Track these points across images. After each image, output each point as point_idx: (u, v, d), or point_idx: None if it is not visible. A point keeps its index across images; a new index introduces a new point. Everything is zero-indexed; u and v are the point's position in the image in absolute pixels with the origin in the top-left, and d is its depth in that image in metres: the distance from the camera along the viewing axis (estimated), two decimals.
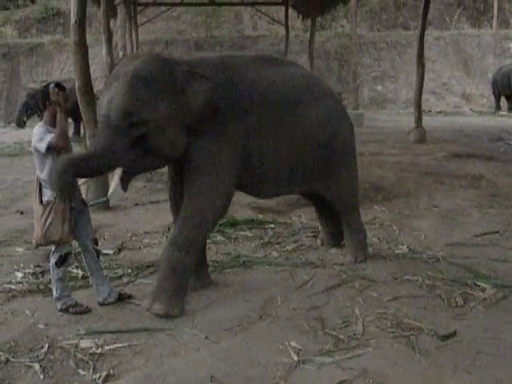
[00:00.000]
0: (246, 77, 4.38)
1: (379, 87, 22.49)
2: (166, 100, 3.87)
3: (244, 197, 5.17)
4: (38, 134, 3.93)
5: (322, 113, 4.71)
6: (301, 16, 19.30)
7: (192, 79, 4.00)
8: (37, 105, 12.75)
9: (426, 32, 13.02)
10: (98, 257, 4.24)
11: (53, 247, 4.05)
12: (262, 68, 4.53)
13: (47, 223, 3.89)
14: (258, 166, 4.43)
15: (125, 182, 4.00)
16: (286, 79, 4.60)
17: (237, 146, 4.24)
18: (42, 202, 3.96)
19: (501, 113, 20.13)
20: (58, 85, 4.05)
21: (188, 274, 4.14)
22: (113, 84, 3.89)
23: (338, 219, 5.36)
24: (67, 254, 4.06)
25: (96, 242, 4.28)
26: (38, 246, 4.09)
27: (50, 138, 3.87)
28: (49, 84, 4.17)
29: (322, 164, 4.77)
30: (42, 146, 3.89)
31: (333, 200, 5.05)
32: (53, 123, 4.00)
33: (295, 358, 3.38)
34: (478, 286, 4.47)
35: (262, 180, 4.57)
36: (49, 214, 3.89)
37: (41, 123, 4.05)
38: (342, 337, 3.65)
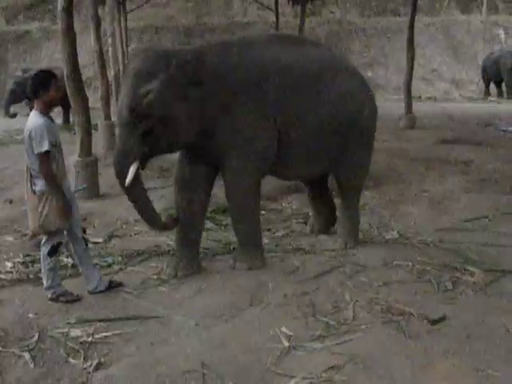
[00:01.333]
0: (270, 55, 4.49)
1: (369, 73, 22.40)
2: (167, 93, 4.00)
3: None
4: (38, 131, 3.83)
5: (345, 91, 4.74)
6: (291, 2, 19.13)
7: (193, 70, 4.09)
8: (24, 92, 12.64)
9: (416, 18, 12.99)
10: (86, 245, 4.22)
11: (45, 237, 4.03)
12: (278, 47, 4.61)
13: (44, 214, 3.87)
14: (285, 145, 4.52)
15: (144, 161, 4.21)
16: (309, 57, 4.68)
17: (266, 120, 4.41)
18: (34, 192, 3.92)
19: (490, 98, 20.22)
20: (51, 72, 4.02)
21: (256, 234, 4.64)
22: (123, 83, 4.18)
23: (330, 206, 5.40)
24: (59, 244, 4.04)
25: (84, 231, 4.27)
26: (34, 236, 4.09)
27: (47, 145, 3.82)
28: (40, 71, 4.13)
29: (343, 144, 4.79)
30: (41, 151, 3.83)
31: (344, 181, 5.03)
32: (45, 111, 3.96)
33: (286, 343, 3.39)
34: (468, 270, 4.49)
35: (288, 160, 4.63)
36: (44, 204, 3.87)
37: (35, 112, 3.95)
38: (332, 322, 3.66)
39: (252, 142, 4.38)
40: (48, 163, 3.86)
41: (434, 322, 3.63)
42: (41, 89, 3.91)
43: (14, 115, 13.47)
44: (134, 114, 3.97)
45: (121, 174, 4.07)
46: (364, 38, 22.99)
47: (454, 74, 22.64)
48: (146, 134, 4.03)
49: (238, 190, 4.46)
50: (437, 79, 22.56)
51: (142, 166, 4.18)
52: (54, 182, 3.88)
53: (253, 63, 4.40)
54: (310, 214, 5.70)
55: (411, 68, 12.63)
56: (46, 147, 3.82)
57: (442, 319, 3.67)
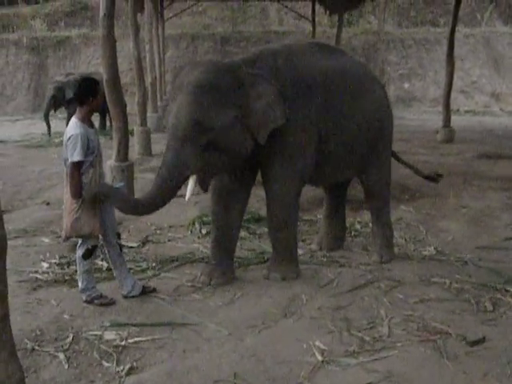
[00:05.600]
0: (315, 64, 4.53)
1: (406, 85, 22.22)
2: (230, 105, 3.98)
3: None
4: (73, 140, 3.85)
5: (373, 100, 4.84)
6: (328, 12, 19.11)
7: (256, 82, 4.11)
8: (64, 98, 12.84)
9: (456, 29, 12.79)
10: (120, 250, 4.24)
11: (80, 240, 4.06)
12: (320, 55, 4.65)
13: (76, 217, 3.89)
14: (322, 153, 4.54)
15: (205, 184, 4.12)
16: (343, 66, 4.74)
17: (312, 127, 4.42)
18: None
19: None
20: (96, 80, 4.05)
21: (293, 244, 4.62)
22: (178, 95, 4.02)
23: (342, 226, 5.42)
24: (94, 247, 4.06)
25: (119, 236, 4.29)
26: (67, 238, 4.10)
27: (80, 156, 3.84)
28: (86, 78, 4.13)
29: (369, 151, 4.88)
30: (73, 160, 3.85)
31: (371, 189, 5.07)
32: (87, 118, 4.00)
33: (320, 357, 3.34)
34: (508, 291, 4.36)
35: (321, 166, 4.63)
36: (78, 208, 3.89)
37: (76, 120, 3.97)
38: (367, 338, 3.59)
39: (299, 150, 4.38)
40: (77, 173, 3.87)
41: (473, 344, 3.52)
42: (90, 95, 3.94)
43: (48, 125, 13.62)
44: (196, 127, 3.88)
45: (172, 191, 3.98)
46: (401, 49, 22.77)
47: (495, 86, 22.24)
48: (206, 148, 3.94)
49: (281, 198, 4.43)
50: (476, 92, 22.19)
51: (202, 187, 4.13)
52: (77, 193, 3.87)
53: (302, 72, 4.42)
54: (320, 231, 5.58)
55: (450, 80, 12.47)
56: (77, 157, 3.84)
57: (482, 341, 3.55)
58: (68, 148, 3.88)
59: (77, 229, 3.91)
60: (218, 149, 3.99)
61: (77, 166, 3.87)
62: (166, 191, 3.96)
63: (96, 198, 3.90)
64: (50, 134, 13.22)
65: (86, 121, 4.00)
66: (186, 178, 4.00)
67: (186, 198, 4.11)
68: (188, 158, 3.92)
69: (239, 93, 4.04)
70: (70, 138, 3.88)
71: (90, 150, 3.92)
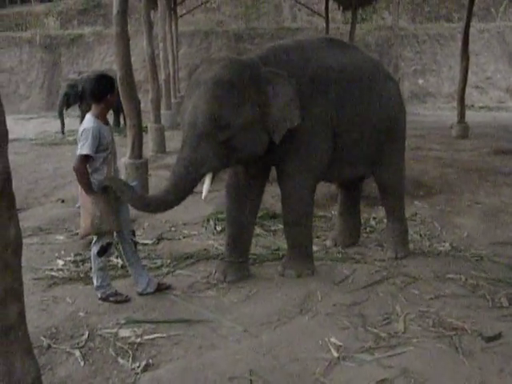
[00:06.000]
0: (325, 60, 4.51)
1: (420, 81, 22.07)
2: (248, 102, 3.96)
3: None
4: (85, 134, 3.87)
5: (386, 96, 4.82)
6: (341, 8, 19.02)
7: (275, 81, 4.09)
8: (77, 95, 12.90)
9: (471, 24, 12.67)
10: (135, 247, 4.25)
11: (95, 237, 4.07)
12: (334, 51, 4.64)
13: (96, 215, 3.89)
14: (337, 149, 4.53)
15: (212, 177, 4.10)
16: (357, 62, 4.72)
17: (327, 124, 4.41)
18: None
19: None
20: (112, 77, 4.06)
21: (308, 241, 4.62)
22: (195, 91, 3.96)
23: (357, 223, 5.41)
24: (109, 244, 4.07)
25: (134, 234, 4.29)
26: (85, 235, 4.11)
27: (89, 150, 3.85)
28: (102, 76, 4.15)
29: (382, 147, 4.86)
30: (81, 153, 3.87)
31: (385, 185, 5.06)
32: (103, 115, 4.02)
33: (335, 354, 3.33)
34: None
35: (336, 163, 4.61)
36: (96, 205, 3.89)
37: (90, 116, 4.00)
38: (382, 334, 3.58)
39: (314, 147, 4.37)
40: (83, 166, 3.87)
41: (489, 340, 3.49)
42: (107, 92, 3.96)
43: (63, 123, 13.71)
44: (214, 124, 3.86)
45: (187, 188, 3.94)
46: (416, 45, 22.61)
47: (509, 82, 22.00)
48: (224, 143, 3.92)
49: (297, 195, 4.42)
50: (491, 87, 21.99)
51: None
52: (86, 185, 3.88)
53: (318, 68, 4.41)
54: (335, 227, 5.59)
55: (465, 76, 12.36)
56: (86, 151, 3.85)
57: (498, 337, 3.53)
58: (79, 141, 3.91)
59: (96, 226, 3.92)
60: (234, 146, 3.97)
61: (84, 160, 3.88)
62: (182, 189, 3.92)
63: (108, 192, 3.90)
64: (63, 131, 13.30)
65: (101, 118, 4.01)
66: (202, 176, 3.98)
67: (203, 196, 4.10)
68: (205, 156, 3.88)
69: (257, 91, 4.02)
70: (82, 132, 3.91)
71: (103, 146, 3.93)
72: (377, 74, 4.85)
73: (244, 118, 3.94)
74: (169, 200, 3.92)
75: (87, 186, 3.88)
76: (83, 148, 3.86)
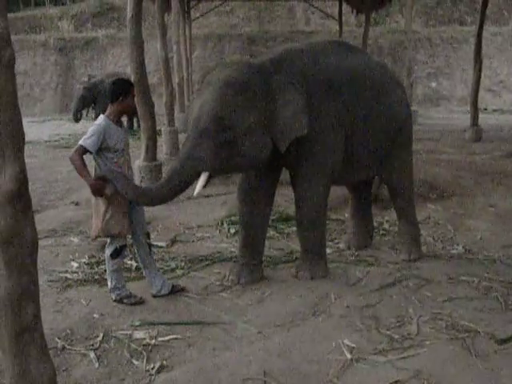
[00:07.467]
0: (336, 64, 4.53)
1: (433, 84, 22.02)
2: (255, 108, 3.97)
3: None
4: (91, 129, 3.90)
5: (393, 100, 4.83)
6: (355, 11, 19.02)
7: (285, 89, 4.10)
8: (92, 98, 13.02)
9: (484, 27, 12.63)
10: (149, 250, 4.28)
11: (108, 239, 4.10)
12: (344, 54, 4.67)
13: (108, 216, 3.92)
14: (345, 151, 4.55)
15: (206, 181, 4.07)
16: (365, 65, 4.75)
17: (340, 126, 4.43)
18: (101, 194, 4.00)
19: None
20: (130, 82, 4.09)
21: (322, 243, 4.63)
22: (204, 91, 4.01)
23: (369, 225, 5.42)
24: (122, 247, 4.10)
25: (148, 236, 4.32)
26: (96, 238, 4.14)
27: (89, 145, 3.86)
28: (121, 79, 4.19)
29: (390, 150, 4.88)
30: (81, 143, 3.86)
31: (394, 188, 5.08)
32: (117, 117, 4.04)
33: (349, 356, 3.34)
34: None
35: (344, 165, 4.62)
36: (108, 207, 3.92)
37: (103, 116, 4.02)
38: (396, 336, 3.59)
39: (328, 150, 4.39)
40: (78, 156, 3.83)
41: (502, 342, 3.50)
42: (122, 94, 3.98)
43: (79, 117, 13.87)
44: (217, 123, 3.88)
45: (182, 184, 3.92)
46: (429, 48, 22.57)
47: None
48: (225, 145, 3.91)
49: (310, 197, 4.43)
50: (504, 91, 21.89)
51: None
52: (80, 172, 3.86)
53: (329, 72, 4.44)
54: (348, 230, 5.60)
55: (478, 79, 12.32)
56: (85, 143, 3.84)
57: (510, 339, 3.53)
58: (86, 134, 3.93)
59: (107, 229, 3.95)
60: (235, 149, 3.95)
61: (80, 150, 3.85)
62: (176, 184, 3.90)
63: (105, 180, 3.86)
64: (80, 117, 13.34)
65: (113, 118, 4.02)
66: (198, 174, 3.95)
67: (195, 193, 4.07)
68: (203, 154, 3.87)
69: (266, 97, 4.03)
70: (90, 128, 3.95)
71: (110, 147, 3.94)
72: (384, 78, 4.87)
73: (249, 122, 3.93)
74: (161, 194, 3.91)
75: (82, 172, 3.85)
76: (85, 140, 3.87)
